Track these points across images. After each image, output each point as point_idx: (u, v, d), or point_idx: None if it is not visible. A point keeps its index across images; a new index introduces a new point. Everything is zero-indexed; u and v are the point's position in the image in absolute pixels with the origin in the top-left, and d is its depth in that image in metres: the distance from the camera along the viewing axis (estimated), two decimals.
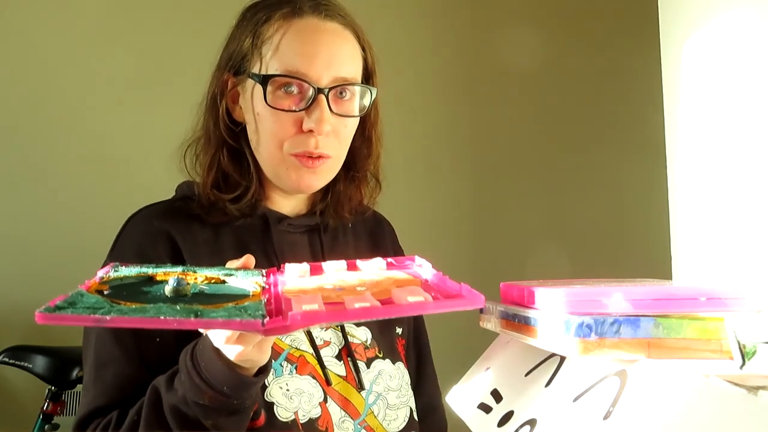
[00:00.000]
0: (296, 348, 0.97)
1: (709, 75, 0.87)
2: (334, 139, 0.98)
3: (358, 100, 1.00)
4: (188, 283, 0.69)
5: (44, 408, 2.16)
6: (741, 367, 0.54)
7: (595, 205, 2.74)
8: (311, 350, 0.99)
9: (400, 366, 1.07)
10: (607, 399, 0.57)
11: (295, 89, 0.96)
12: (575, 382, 0.63)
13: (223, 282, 0.77)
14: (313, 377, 0.97)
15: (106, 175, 2.50)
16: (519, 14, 2.84)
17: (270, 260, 1.02)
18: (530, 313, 0.68)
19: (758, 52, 0.77)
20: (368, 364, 1.03)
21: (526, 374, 0.72)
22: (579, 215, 2.77)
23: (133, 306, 0.61)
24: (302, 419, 0.95)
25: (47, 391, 2.16)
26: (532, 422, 0.65)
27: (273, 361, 0.94)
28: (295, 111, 0.96)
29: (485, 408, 0.75)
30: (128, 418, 0.89)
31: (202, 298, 0.70)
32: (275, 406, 0.94)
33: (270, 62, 0.97)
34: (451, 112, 2.81)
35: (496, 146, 2.81)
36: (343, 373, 1.00)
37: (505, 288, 0.79)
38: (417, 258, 0.84)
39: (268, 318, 0.61)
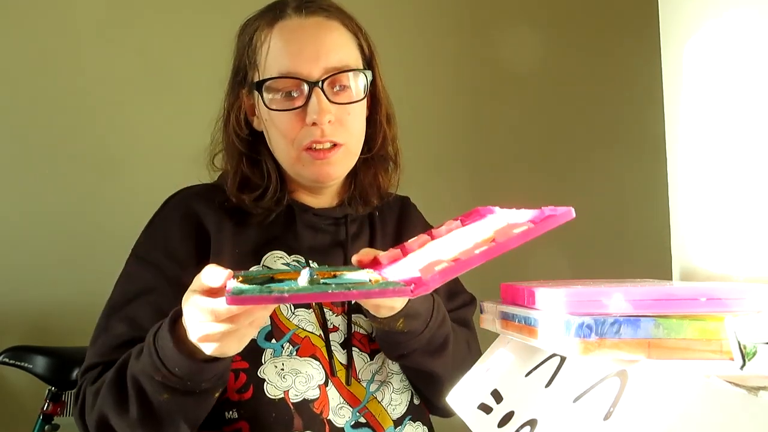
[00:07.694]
0: (302, 329, 1.01)
1: (709, 75, 0.87)
2: (339, 126, 1.01)
3: (354, 85, 1.03)
4: (317, 276, 0.77)
5: (44, 408, 2.15)
6: (741, 367, 0.54)
7: (595, 205, 2.73)
8: (318, 332, 1.01)
9: None
10: (607, 399, 0.57)
11: (291, 89, 1.00)
12: (575, 382, 0.63)
13: (335, 276, 0.85)
14: (317, 359, 1.00)
15: (107, 176, 2.49)
16: (519, 14, 2.84)
17: (292, 248, 1.05)
18: (530, 314, 0.68)
19: (759, 52, 0.77)
20: (371, 356, 1.05)
21: (527, 374, 0.72)
22: (579, 215, 2.74)
23: (298, 287, 0.72)
24: (294, 399, 0.97)
25: (47, 391, 2.15)
26: (532, 423, 0.65)
27: (275, 341, 0.99)
28: (295, 109, 0.99)
29: (485, 408, 0.75)
30: (109, 373, 0.94)
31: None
32: (265, 383, 0.97)
33: (264, 69, 1.01)
34: (450, 112, 2.80)
35: (496, 146, 2.81)
36: (345, 362, 1.02)
37: (506, 288, 0.79)
38: (482, 210, 0.93)
39: (413, 285, 0.69)
